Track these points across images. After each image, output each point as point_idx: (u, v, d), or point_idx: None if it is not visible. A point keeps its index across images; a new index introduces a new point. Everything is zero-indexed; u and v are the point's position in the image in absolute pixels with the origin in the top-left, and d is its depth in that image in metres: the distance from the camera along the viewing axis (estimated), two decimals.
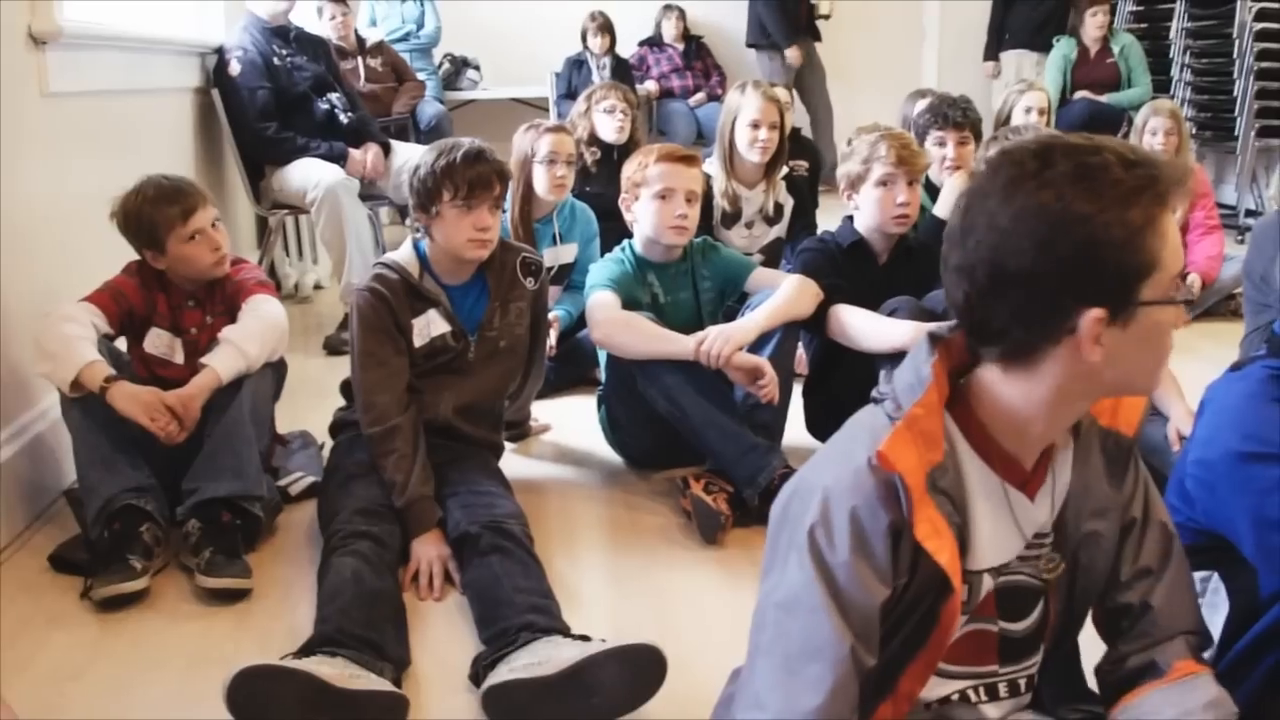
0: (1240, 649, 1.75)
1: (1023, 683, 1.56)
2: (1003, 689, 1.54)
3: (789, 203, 4.18)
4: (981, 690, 1.53)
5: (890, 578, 1.36)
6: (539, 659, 2.07)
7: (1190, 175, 1.49)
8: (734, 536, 2.81)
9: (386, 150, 4.93)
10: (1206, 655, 1.75)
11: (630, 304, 3.07)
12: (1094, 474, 1.51)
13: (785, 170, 4.22)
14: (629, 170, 3.19)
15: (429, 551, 2.58)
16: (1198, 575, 1.81)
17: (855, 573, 1.33)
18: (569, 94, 7.13)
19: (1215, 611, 1.79)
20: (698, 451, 3.01)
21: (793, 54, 7.74)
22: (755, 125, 3.95)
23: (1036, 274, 1.28)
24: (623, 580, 2.66)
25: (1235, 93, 6.89)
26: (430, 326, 2.81)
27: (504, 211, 3.80)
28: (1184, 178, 1.34)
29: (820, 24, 7.98)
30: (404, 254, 2.86)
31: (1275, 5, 6.72)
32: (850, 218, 3.28)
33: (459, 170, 2.73)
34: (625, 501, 3.09)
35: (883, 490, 1.34)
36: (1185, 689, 1.48)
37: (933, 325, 1.47)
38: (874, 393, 1.45)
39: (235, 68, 4.63)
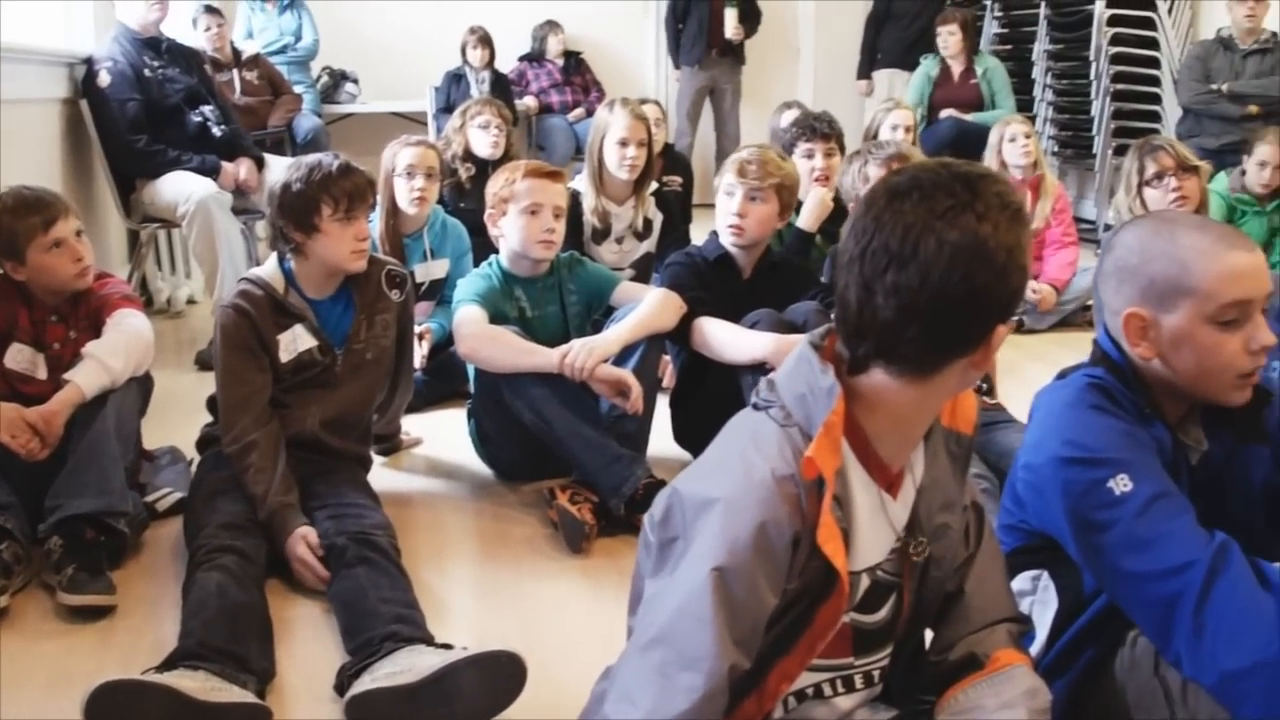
0: (1064, 642, 1.85)
1: (876, 674, 1.62)
2: (858, 680, 1.60)
3: (658, 218, 4.25)
4: (839, 683, 1.59)
5: (783, 586, 1.41)
6: (401, 668, 2.10)
7: None
8: (599, 546, 2.86)
9: (260, 164, 4.91)
10: (1035, 646, 1.86)
11: (498, 318, 3.11)
12: (942, 470, 1.59)
13: (655, 186, 4.30)
14: (495, 186, 3.23)
15: (295, 551, 2.59)
16: (1029, 574, 1.91)
17: (753, 585, 1.37)
18: (448, 108, 7.11)
19: (1046, 608, 1.88)
20: (565, 463, 3.05)
21: (700, 75, 7.86)
22: (623, 143, 4.01)
23: (974, 299, 1.36)
24: (490, 591, 2.70)
25: (1093, 112, 7.18)
26: (296, 342, 2.82)
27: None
28: None
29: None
30: (268, 269, 2.87)
31: (1128, 31, 7.01)
32: (715, 232, 3.36)
33: (336, 184, 2.76)
34: (494, 513, 3.13)
35: (789, 501, 1.39)
36: (1003, 680, 1.56)
37: (807, 335, 1.52)
38: (756, 399, 1.50)
39: (105, 79, 4.57)
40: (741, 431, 1.48)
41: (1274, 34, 6.32)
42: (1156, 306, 1.76)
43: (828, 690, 1.59)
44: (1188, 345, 1.75)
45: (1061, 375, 1.91)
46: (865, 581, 1.53)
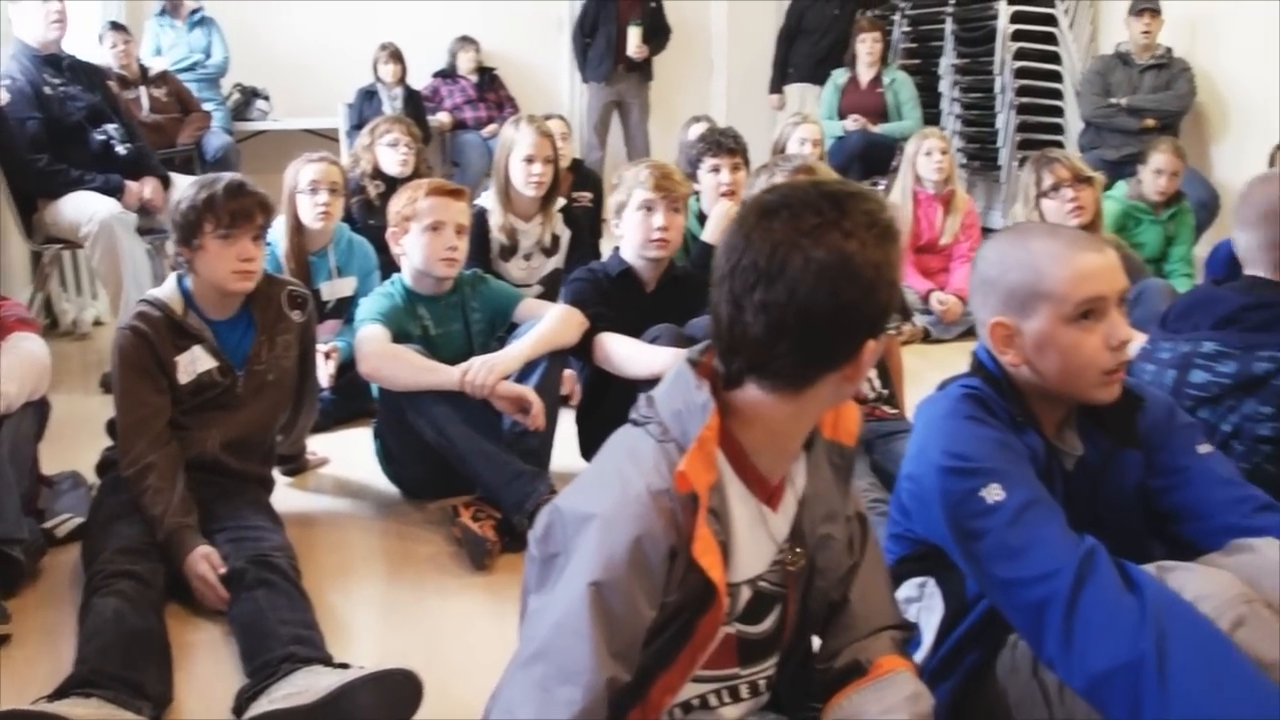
0: (949, 647, 1.89)
1: (762, 683, 1.65)
2: (744, 690, 1.63)
3: (566, 234, 4.27)
4: (724, 693, 1.62)
5: (660, 599, 1.43)
6: (298, 689, 2.11)
7: None
8: (503, 562, 2.87)
9: (166, 183, 4.85)
10: (921, 651, 1.89)
11: (401, 337, 3.12)
12: (824, 482, 1.62)
13: (563, 202, 4.32)
14: (397, 204, 3.23)
15: (195, 569, 2.56)
16: (915, 581, 1.96)
17: (630, 599, 1.39)
18: (360, 125, 7.07)
19: (931, 614, 1.92)
20: (469, 480, 3.06)
21: (608, 90, 7.89)
22: (529, 160, 4.03)
23: (841, 315, 1.39)
24: (393, 610, 2.70)
25: (999, 125, 7.32)
26: (195, 363, 2.80)
27: (268, 244, 3.79)
28: None
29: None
30: (167, 290, 2.85)
31: (1031, 45, 7.17)
32: (618, 248, 3.38)
33: (220, 202, 2.75)
34: (399, 532, 3.13)
35: (664, 516, 1.41)
36: (886, 686, 1.59)
37: (686, 351, 1.54)
38: (634, 416, 1.52)
39: (3, 97, 4.48)
40: (620, 448, 1.51)
41: (1169, 50, 6.50)
42: (1018, 314, 1.82)
43: (714, 701, 1.61)
44: (1051, 347, 1.80)
45: (942, 386, 1.96)
46: (746, 593, 1.56)
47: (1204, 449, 1.95)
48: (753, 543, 1.54)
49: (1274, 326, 2.34)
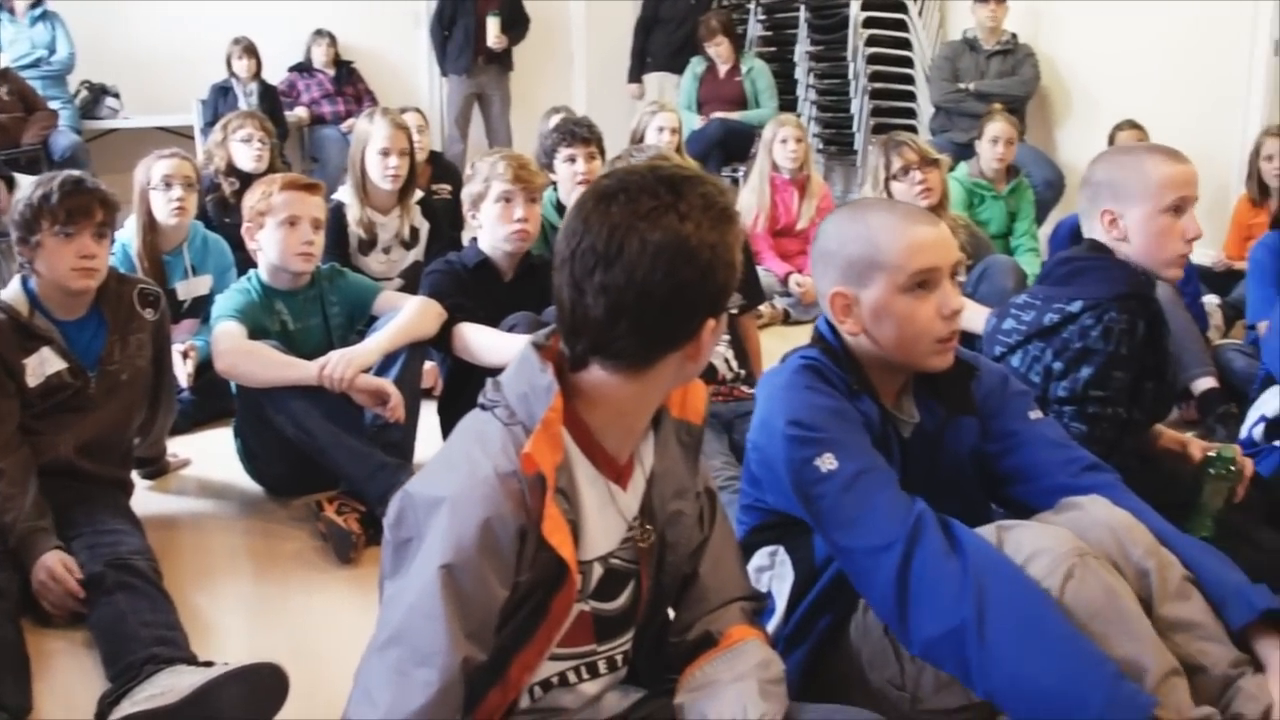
0: (801, 612, 1.95)
1: (619, 658, 1.68)
2: (602, 666, 1.66)
3: (425, 227, 4.27)
4: (583, 669, 1.65)
5: (513, 579, 1.46)
6: (161, 689, 2.09)
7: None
8: (369, 554, 2.87)
9: (10, 184, 4.71)
10: (775, 618, 1.95)
11: (258, 333, 3.09)
12: (673, 460, 1.66)
13: (421, 195, 4.31)
14: (252, 199, 3.20)
15: (45, 564, 2.51)
16: (767, 549, 2.01)
17: (481, 580, 1.42)
18: (215, 122, 6.95)
19: (783, 581, 1.98)
20: (332, 475, 3.05)
21: (468, 82, 7.86)
22: (385, 153, 4.02)
23: (679, 295, 1.43)
24: (259, 608, 2.70)
25: (853, 110, 7.48)
26: (44, 365, 2.74)
27: (120, 244, 3.73)
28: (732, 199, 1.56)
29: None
30: (11, 292, 2.79)
31: (882, 32, 7.34)
32: (475, 238, 3.39)
33: (57, 199, 2.70)
34: (263, 530, 3.11)
35: (513, 497, 1.44)
36: (737, 655, 1.64)
37: (531, 335, 1.57)
38: (482, 400, 1.55)
39: None
40: (469, 432, 1.53)
41: (1014, 36, 6.71)
42: (856, 284, 1.90)
43: (573, 678, 1.64)
44: (886, 316, 1.88)
45: (785, 359, 2.02)
46: (598, 570, 1.59)
47: (1035, 414, 2.05)
48: (603, 521, 1.57)
49: (1071, 281, 2.46)
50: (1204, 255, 5.10)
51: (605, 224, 1.43)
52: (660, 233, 1.42)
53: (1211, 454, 2.52)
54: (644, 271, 1.42)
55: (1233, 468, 2.46)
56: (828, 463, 1.78)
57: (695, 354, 1.51)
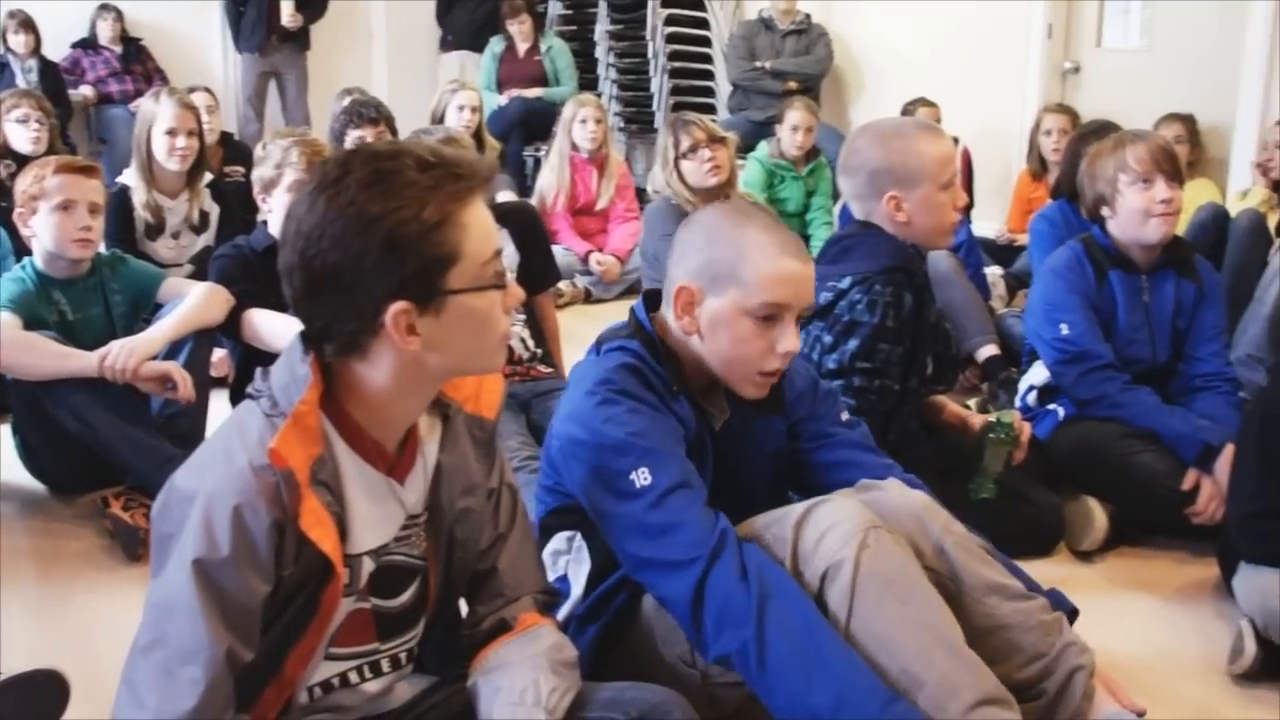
0: (597, 594, 1.98)
1: (404, 656, 1.67)
2: (385, 664, 1.65)
3: (215, 210, 4.17)
4: (366, 669, 1.63)
5: (273, 573, 1.43)
6: None
7: (494, 170, 1.70)
8: None
9: None
10: (565, 609, 1.97)
11: (35, 324, 2.96)
12: (463, 455, 1.64)
13: (210, 177, 4.20)
14: (24, 183, 3.06)
15: None
16: (565, 534, 2.02)
17: (237, 574, 1.39)
18: None
19: (580, 566, 2.00)
20: (118, 469, 2.96)
21: (262, 61, 7.64)
22: (172, 133, 3.92)
23: (339, 274, 1.39)
24: (43, 610, 2.61)
25: (653, 89, 7.56)
26: None
27: None
28: (488, 173, 1.51)
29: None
30: None
31: (681, 11, 7.43)
32: (264, 223, 3.31)
33: None
34: (46, 529, 3.02)
35: (266, 489, 1.40)
36: (529, 638, 1.65)
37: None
38: (250, 389, 1.51)
39: None
40: (233, 422, 1.50)
41: (808, 16, 6.89)
42: (708, 285, 1.91)
43: (354, 678, 1.63)
44: (724, 330, 1.91)
45: (598, 344, 2.02)
46: (369, 564, 1.56)
47: (845, 416, 2.16)
48: (375, 515, 1.55)
49: (841, 259, 2.56)
50: (987, 228, 5.34)
51: (298, 207, 1.43)
52: (335, 211, 1.39)
53: (992, 419, 2.66)
54: (321, 251, 1.39)
55: (1011, 432, 2.60)
56: (642, 477, 1.79)
57: (401, 342, 1.43)
